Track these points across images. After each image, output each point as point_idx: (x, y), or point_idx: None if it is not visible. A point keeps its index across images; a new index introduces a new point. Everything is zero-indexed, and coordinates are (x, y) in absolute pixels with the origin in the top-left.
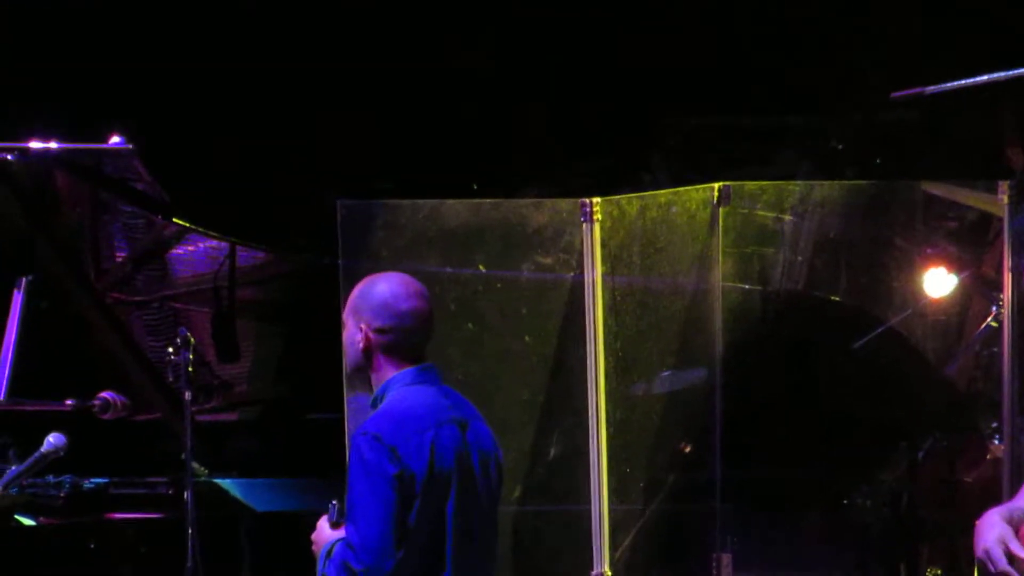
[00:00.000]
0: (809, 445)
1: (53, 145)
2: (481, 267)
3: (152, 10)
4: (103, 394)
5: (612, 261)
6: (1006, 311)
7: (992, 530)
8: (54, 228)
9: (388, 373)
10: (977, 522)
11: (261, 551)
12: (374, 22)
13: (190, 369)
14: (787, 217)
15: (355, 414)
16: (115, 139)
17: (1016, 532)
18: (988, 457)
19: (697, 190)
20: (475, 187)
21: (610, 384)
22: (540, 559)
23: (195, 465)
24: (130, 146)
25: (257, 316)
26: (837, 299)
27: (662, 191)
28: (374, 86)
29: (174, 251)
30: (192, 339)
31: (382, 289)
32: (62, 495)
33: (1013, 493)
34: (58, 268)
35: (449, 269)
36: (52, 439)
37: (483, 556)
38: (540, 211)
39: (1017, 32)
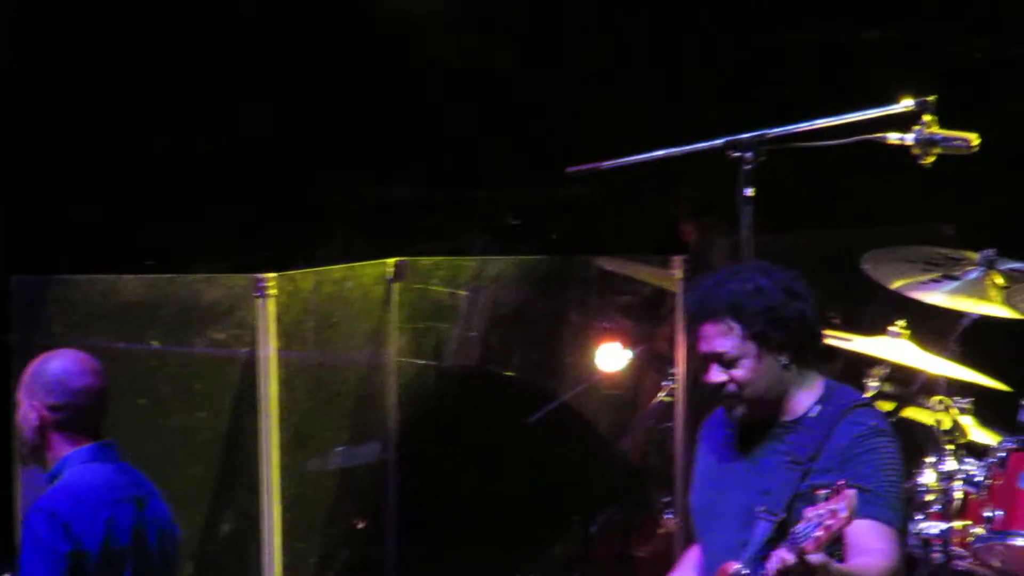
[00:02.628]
0: (483, 520)
1: None
2: (155, 343)
3: None
4: None
5: (286, 336)
6: (679, 386)
7: None
8: None
9: (64, 450)
10: None
11: None
12: (45, 93)
13: None
14: (462, 292)
15: (28, 489)
16: None
17: None
18: (661, 531)
19: (372, 265)
20: (149, 263)
21: (284, 459)
22: None
23: None
24: None
25: None
26: (512, 374)
27: (337, 266)
28: (48, 159)
29: None
30: None
31: (55, 367)
32: None
33: None
34: None
35: (123, 344)
36: None
37: None
38: (214, 286)
39: (690, 109)
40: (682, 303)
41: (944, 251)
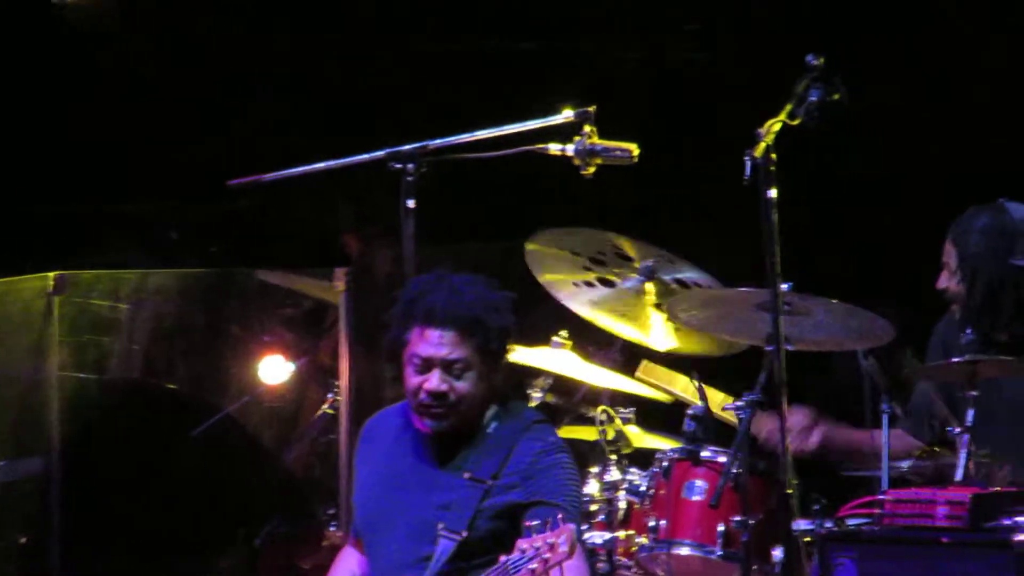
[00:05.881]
0: (149, 532)
1: None
2: None
3: None
4: None
5: None
6: (343, 398)
7: None
8: None
9: None
10: None
11: None
12: None
13: None
14: (123, 306)
15: None
16: None
17: None
18: (325, 544)
19: (32, 279)
20: None
21: None
22: None
23: None
24: None
25: None
26: (174, 387)
27: None
28: None
29: None
30: None
31: None
32: None
33: None
34: None
35: None
36: None
37: None
38: None
39: (349, 120)
40: (414, 306)
41: (617, 246)
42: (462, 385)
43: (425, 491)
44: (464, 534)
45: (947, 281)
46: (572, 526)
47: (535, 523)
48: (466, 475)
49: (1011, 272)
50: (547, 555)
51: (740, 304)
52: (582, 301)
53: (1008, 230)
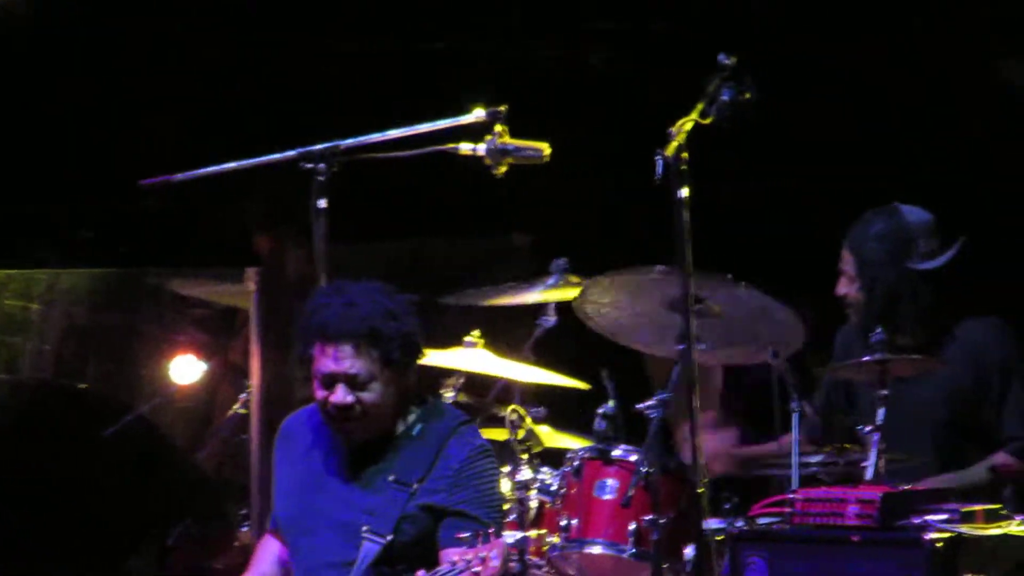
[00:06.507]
0: (59, 533)
1: None
2: None
3: None
4: None
5: None
6: (254, 398)
7: None
8: None
9: None
10: None
11: None
12: None
13: None
14: (35, 306)
15: None
16: None
17: None
18: (237, 544)
19: None
20: None
21: None
22: None
23: None
24: None
25: None
26: (86, 387)
27: None
28: None
29: None
30: None
31: None
32: None
33: None
34: None
35: None
36: None
37: None
38: None
39: (261, 120)
40: (311, 322)
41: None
42: (368, 396)
43: (349, 494)
44: (389, 538)
45: (846, 288)
46: (503, 540)
47: (466, 535)
48: (391, 478)
49: (909, 277)
50: (477, 568)
51: (657, 307)
52: (529, 296)
53: (904, 234)
